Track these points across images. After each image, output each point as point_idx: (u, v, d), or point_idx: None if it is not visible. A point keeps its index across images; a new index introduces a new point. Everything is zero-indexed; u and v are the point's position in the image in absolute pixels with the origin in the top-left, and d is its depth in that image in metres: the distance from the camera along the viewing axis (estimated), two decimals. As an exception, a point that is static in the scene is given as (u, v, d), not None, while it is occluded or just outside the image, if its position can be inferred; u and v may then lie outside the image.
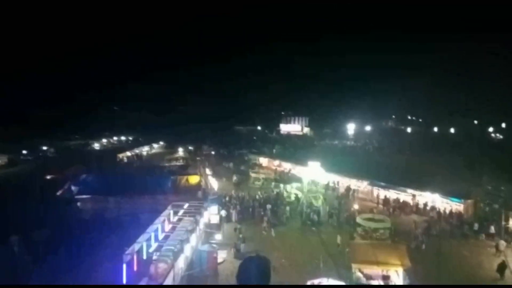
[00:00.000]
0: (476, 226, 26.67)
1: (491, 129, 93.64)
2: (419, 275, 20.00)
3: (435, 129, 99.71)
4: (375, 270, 19.87)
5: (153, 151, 73.52)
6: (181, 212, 25.04)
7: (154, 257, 18.86)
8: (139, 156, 66.27)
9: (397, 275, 19.61)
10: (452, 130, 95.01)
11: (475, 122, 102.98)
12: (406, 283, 19.05)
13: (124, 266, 17.68)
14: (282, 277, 19.65)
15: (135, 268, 19.04)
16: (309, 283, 17.81)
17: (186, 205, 25.95)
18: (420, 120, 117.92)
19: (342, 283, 17.93)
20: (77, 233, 25.28)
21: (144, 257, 19.38)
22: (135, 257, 18.68)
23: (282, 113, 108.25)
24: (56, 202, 32.78)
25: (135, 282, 18.50)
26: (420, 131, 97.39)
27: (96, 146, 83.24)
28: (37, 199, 31.77)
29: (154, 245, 20.45)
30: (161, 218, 23.26)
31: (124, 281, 17.86)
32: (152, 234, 21.08)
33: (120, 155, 62.25)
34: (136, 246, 19.03)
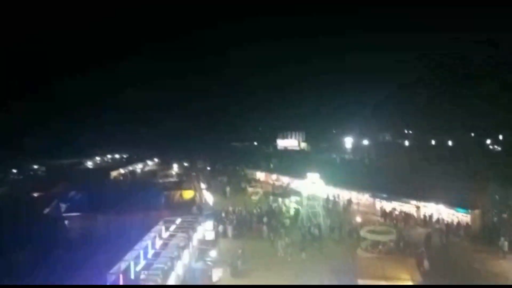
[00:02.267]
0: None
1: (488, 141, 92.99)
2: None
3: (432, 142, 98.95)
4: (383, 285, 18.35)
5: (147, 168, 71.91)
6: (173, 227, 23.45)
7: (142, 276, 17.25)
8: (132, 173, 64.66)
9: (407, 291, 18.10)
10: (449, 143, 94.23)
11: (472, 134, 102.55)
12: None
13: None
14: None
15: (121, 290, 17.43)
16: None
17: (178, 221, 24.40)
18: (417, 133, 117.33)
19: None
20: (62, 252, 23.58)
21: (132, 276, 17.74)
22: (121, 276, 17.07)
23: (279, 129, 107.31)
24: (42, 220, 31.00)
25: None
26: (418, 144, 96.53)
27: (89, 164, 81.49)
28: (22, 218, 30.00)
29: (142, 263, 18.81)
30: (151, 234, 21.68)
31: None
32: (141, 252, 19.50)
33: (113, 173, 60.59)
34: (122, 265, 17.43)
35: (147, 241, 20.65)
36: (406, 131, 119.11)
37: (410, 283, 17.92)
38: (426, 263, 20.82)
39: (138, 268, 18.25)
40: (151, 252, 19.81)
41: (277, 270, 21.97)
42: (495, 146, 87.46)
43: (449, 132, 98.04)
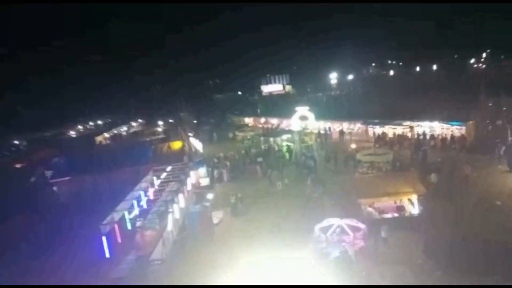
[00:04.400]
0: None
1: (472, 61, 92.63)
2: (433, 199, 18.27)
3: (417, 69, 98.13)
4: (387, 203, 18.00)
5: (132, 129, 70.00)
6: (164, 175, 22.44)
7: (139, 223, 16.46)
8: (118, 136, 62.80)
9: (411, 204, 17.80)
10: (434, 67, 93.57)
11: (455, 56, 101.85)
12: (421, 211, 17.25)
13: (104, 238, 15.30)
14: (292, 224, 18.00)
15: (118, 240, 16.70)
16: (318, 226, 15.75)
17: (169, 168, 23.39)
18: (401, 63, 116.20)
19: (354, 221, 15.89)
20: (52, 217, 22.64)
21: (128, 225, 16.97)
22: (116, 227, 16.28)
23: (262, 75, 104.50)
24: (29, 189, 29.75)
25: (121, 256, 16.24)
26: (403, 72, 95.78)
27: (72, 133, 78.97)
28: (7, 190, 28.67)
29: (137, 211, 18.00)
30: (142, 185, 20.72)
31: (107, 255, 15.57)
32: (134, 201, 18.62)
33: (97, 138, 58.62)
34: (115, 215, 16.57)
35: (139, 191, 19.74)
36: (389, 62, 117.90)
37: (414, 195, 17.62)
38: (433, 176, 20.49)
39: (133, 216, 17.43)
40: (144, 200, 18.94)
41: (277, 204, 21.57)
42: (480, 65, 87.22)
43: (432, 58, 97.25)
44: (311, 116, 31.05)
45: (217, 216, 20.69)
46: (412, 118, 31.77)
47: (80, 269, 15.10)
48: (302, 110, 30.79)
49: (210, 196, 22.64)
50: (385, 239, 15.74)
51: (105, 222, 15.63)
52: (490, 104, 28.76)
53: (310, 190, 21.77)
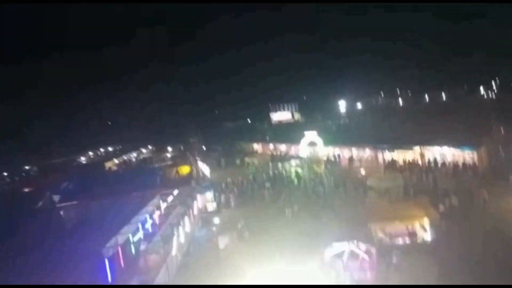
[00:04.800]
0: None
1: (482, 90, 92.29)
2: (445, 226, 17.63)
3: (426, 98, 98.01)
4: (398, 227, 17.40)
5: (142, 156, 70.46)
6: (170, 199, 22.19)
7: (142, 247, 16.11)
8: (127, 162, 63.20)
9: (423, 229, 17.19)
10: (443, 97, 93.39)
11: (464, 86, 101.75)
12: (433, 236, 16.63)
13: (107, 261, 14.91)
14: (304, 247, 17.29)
15: (122, 264, 16.29)
16: (328, 248, 15.23)
17: (176, 192, 23.17)
18: (409, 92, 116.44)
19: (364, 245, 15.34)
20: (55, 240, 22.33)
21: (132, 249, 16.58)
22: (119, 250, 15.90)
23: (270, 104, 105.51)
24: (36, 213, 29.70)
25: (125, 280, 15.79)
26: (412, 102, 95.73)
27: (83, 160, 79.77)
28: (15, 214, 28.66)
29: (141, 234, 17.63)
30: (148, 208, 20.45)
31: (109, 280, 15.14)
32: (139, 225, 18.29)
33: (107, 164, 59.07)
34: (119, 238, 16.25)
35: (144, 214, 19.46)
36: (398, 92, 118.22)
37: (426, 221, 17.05)
38: (454, 199, 19.94)
39: (137, 240, 17.07)
40: (149, 223, 18.62)
41: (284, 230, 20.96)
42: (489, 93, 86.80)
43: (441, 88, 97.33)
44: (319, 141, 30.90)
45: (223, 241, 20.18)
46: (422, 143, 31.30)
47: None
48: (310, 134, 30.68)
49: (216, 221, 22.29)
50: (397, 265, 15.10)
51: (108, 245, 15.29)
52: (502, 130, 28.27)
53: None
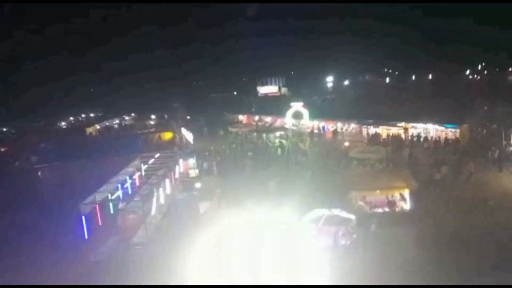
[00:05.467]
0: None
1: (468, 72, 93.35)
2: (425, 195, 17.93)
3: (413, 77, 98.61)
4: (379, 197, 17.58)
5: (124, 123, 69.05)
6: (151, 161, 21.79)
7: (121, 206, 15.83)
8: (109, 128, 61.85)
9: (403, 199, 17.41)
10: (429, 77, 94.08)
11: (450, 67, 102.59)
12: (413, 206, 16.89)
13: (83, 218, 14.64)
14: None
15: (99, 222, 16.05)
16: (307, 216, 15.26)
17: (157, 155, 22.74)
18: (396, 72, 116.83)
19: (344, 212, 15.43)
20: (33, 200, 21.90)
21: (111, 210, 16.30)
22: (97, 208, 15.63)
23: (258, 77, 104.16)
24: (14, 173, 28.93)
25: (101, 239, 15.60)
26: (399, 80, 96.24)
27: (63, 124, 77.61)
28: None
29: (120, 193, 17.35)
30: (128, 169, 20.05)
31: (86, 236, 14.92)
32: (119, 186, 17.96)
33: (88, 129, 57.64)
34: (97, 196, 15.92)
35: (124, 175, 19.09)
36: (386, 70, 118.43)
37: (406, 190, 17.24)
38: (444, 169, 20.42)
39: (116, 199, 16.77)
40: (129, 183, 18.28)
41: (265, 197, 20.91)
42: (475, 76, 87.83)
43: (428, 68, 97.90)
44: (305, 112, 30.68)
45: (203, 206, 20.03)
46: (406, 120, 31.49)
47: (58, 251, 14.49)
48: (296, 105, 30.38)
49: (198, 185, 22.06)
50: (375, 233, 15.29)
51: (85, 201, 14.96)
52: (485, 109, 28.61)
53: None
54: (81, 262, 14.04)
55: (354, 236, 14.57)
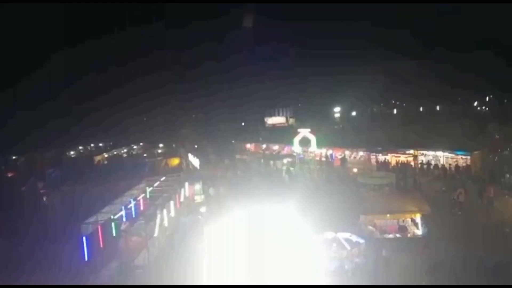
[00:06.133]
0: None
1: (475, 104, 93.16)
2: (438, 221, 17.23)
3: (421, 109, 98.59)
4: (389, 222, 16.94)
5: (133, 152, 69.47)
6: (156, 184, 21.52)
7: (123, 227, 15.42)
8: (117, 156, 62.20)
9: (414, 225, 16.76)
10: (437, 108, 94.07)
11: (459, 99, 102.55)
12: (425, 231, 16.21)
13: (84, 239, 14.21)
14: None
15: (101, 244, 15.57)
16: (317, 237, 14.70)
17: (162, 178, 22.51)
18: (404, 104, 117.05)
19: (354, 236, 14.87)
20: (35, 222, 21.56)
21: (112, 228, 15.84)
22: (99, 229, 15.20)
23: (265, 108, 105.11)
24: (20, 198, 28.79)
25: (102, 261, 15.09)
26: (407, 111, 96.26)
27: (72, 153, 78.36)
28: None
29: (123, 213, 16.93)
30: (133, 191, 19.78)
31: (86, 258, 14.41)
32: (122, 207, 17.60)
33: (96, 157, 58.05)
34: (100, 217, 15.58)
35: (128, 197, 18.80)
36: (393, 102, 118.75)
37: (418, 215, 16.63)
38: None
39: (119, 220, 16.36)
40: (132, 204, 17.91)
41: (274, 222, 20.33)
42: (483, 108, 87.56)
43: (436, 100, 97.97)
44: (313, 138, 30.48)
45: (208, 230, 19.50)
46: (416, 147, 31.07)
47: (55, 274, 14.00)
48: (304, 132, 30.26)
49: (203, 209, 21.67)
50: (387, 258, 14.59)
51: (87, 221, 14.62)
52: (496, 136, 28.16)
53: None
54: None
55: (363, 259, 13.93)
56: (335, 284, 11.20)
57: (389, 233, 16.65)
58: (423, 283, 13.01)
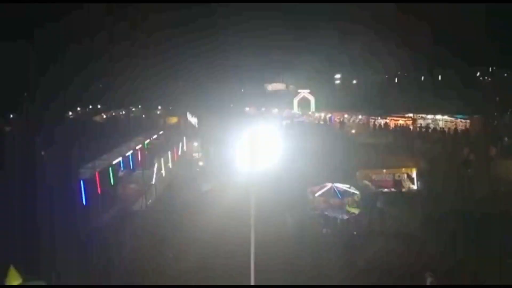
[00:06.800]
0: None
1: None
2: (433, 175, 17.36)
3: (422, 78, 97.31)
4: (385, 176, 17.10)
5: (131, 114, 69.08)
6: (154, 136, 21.49)
7: (121, 174, 15.54)
8: (116, 116, 62.00)
9: (409, 180, 16.93)
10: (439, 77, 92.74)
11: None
12: (420, 186, 16.40)
13: (82, 183, 14.32)
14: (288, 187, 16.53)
15: (98, 190, 15.73)
16: (310, 189, 14.85)
17: (161, 132, 22.46)
18: (405, 74, 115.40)
19: (351, 187, 15.01)
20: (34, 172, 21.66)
21: (110, 174, 15.97)
22: (97, 175, 15.31)
23: (266, 73, 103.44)
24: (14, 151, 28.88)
25: (100, 207, 15.28)
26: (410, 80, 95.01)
27: (70, 114, 77.61)
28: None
29: (120, 160, 17.01)
30: (131, 143, 19.73)
31: (84, 202, 14.60)
32: (120, 155, 17.62)
33: (96, 118, 57.93)
34: (97, 163, 15.62)
35: (126, 146, 18.78)
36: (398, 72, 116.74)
37: (414, 169, 16.78)
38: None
39: (116, 167, 16.48)
40: (130, 153, 17.97)
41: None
42: (486, 78, 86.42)
43: (441, 66, 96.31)
44: (312, 99, 30.28)
45: (206, 186, 19.66)
46: (415, 111, 30.94)
47: (54, 217, 14.19)
48: (303, 92, 29.99)
49: (201, 164, 21.77)
50: (381, 210, 14.82)
51: (84, 167, 14.67)
52: (496, 100, 27.97)
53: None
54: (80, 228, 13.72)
55: (356, 211, 14.15)
56: (338, 284, 11.29)
57: (384, 188, 16.84)
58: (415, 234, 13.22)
